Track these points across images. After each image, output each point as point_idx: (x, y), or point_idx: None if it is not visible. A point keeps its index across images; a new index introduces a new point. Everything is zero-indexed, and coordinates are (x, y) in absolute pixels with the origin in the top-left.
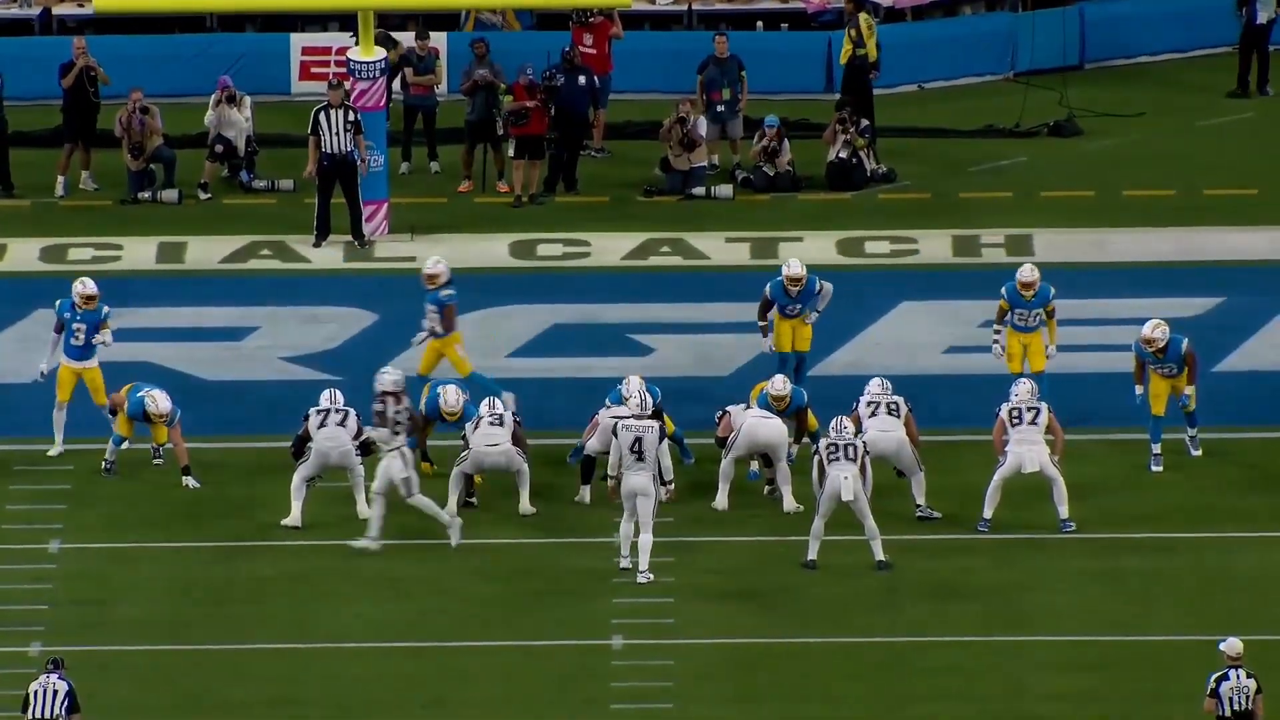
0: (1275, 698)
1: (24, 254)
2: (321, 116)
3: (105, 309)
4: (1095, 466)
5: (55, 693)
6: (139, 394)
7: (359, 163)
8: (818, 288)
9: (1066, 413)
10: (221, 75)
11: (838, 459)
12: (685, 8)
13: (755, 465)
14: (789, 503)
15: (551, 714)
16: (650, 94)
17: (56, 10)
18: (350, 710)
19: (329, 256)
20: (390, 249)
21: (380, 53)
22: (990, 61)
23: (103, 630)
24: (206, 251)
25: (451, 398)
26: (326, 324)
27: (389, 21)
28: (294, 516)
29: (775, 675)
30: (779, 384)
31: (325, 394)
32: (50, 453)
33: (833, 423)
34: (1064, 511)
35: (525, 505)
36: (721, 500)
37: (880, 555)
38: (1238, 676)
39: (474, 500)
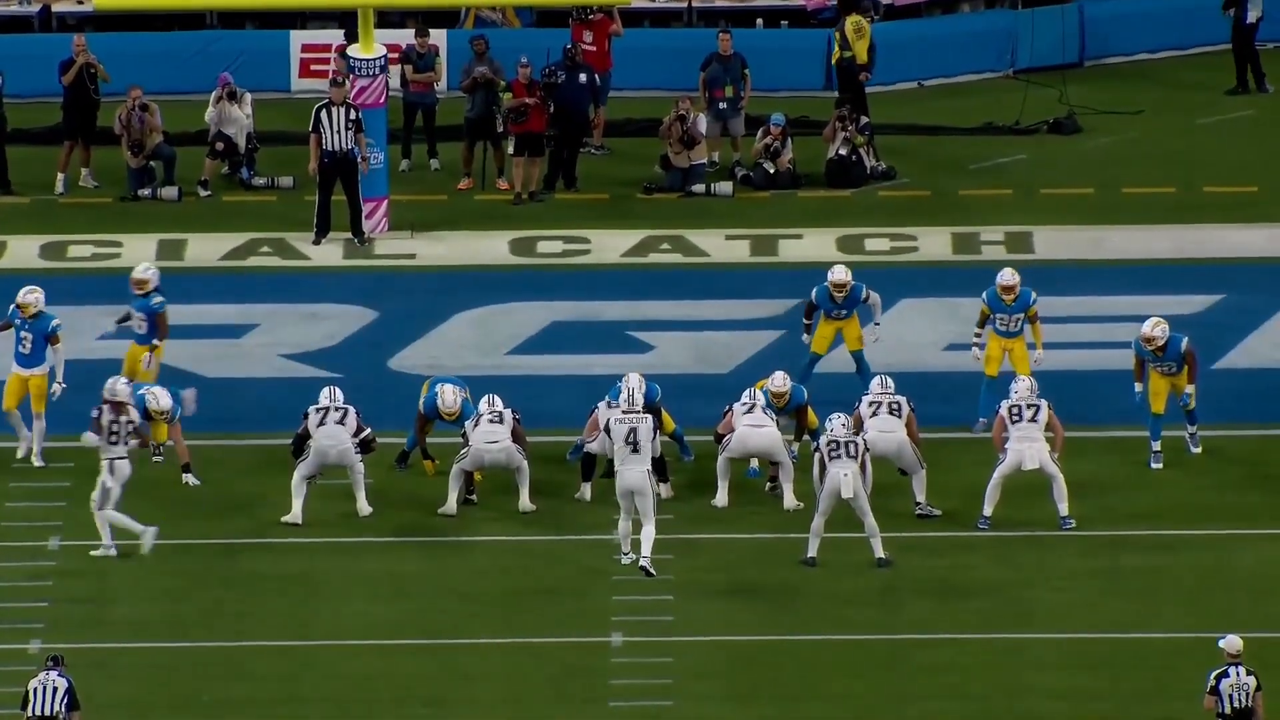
0: (1275, 695)
1: (24, 251)
2: (323, 114)
3: (55, 321)
4: (1094, 464)
5: (55, 690)
6: (140, 391)
7: (359, 160)
8: (864, 295)
9: (1065, 410)
10: (222, 72)
11: (839, 456)
12: (685, 5)
13: (755, 463)
14: (789, 500)
15: (551, 711)
16: (650, 91)
17: (56, 8)
18: (350, 708)
19: (329, 254)
20: (390, 246)
21: (380, 49)
22: (990, 59)
23: (102, 628)
24: (206, 249)
25: (449, 397)
26: (326, 321)
27: (389, 19)
28: (294, 514)
29: (774, 673)
30: (778, 380)
31: (325, 391)
32: (19, 454)
33: (829, 420)
34: (1064, 509)
35: (525, 502)
36: (721, 497)
37: (880, 553)
38: (1238, 673)
39: (474, 498)
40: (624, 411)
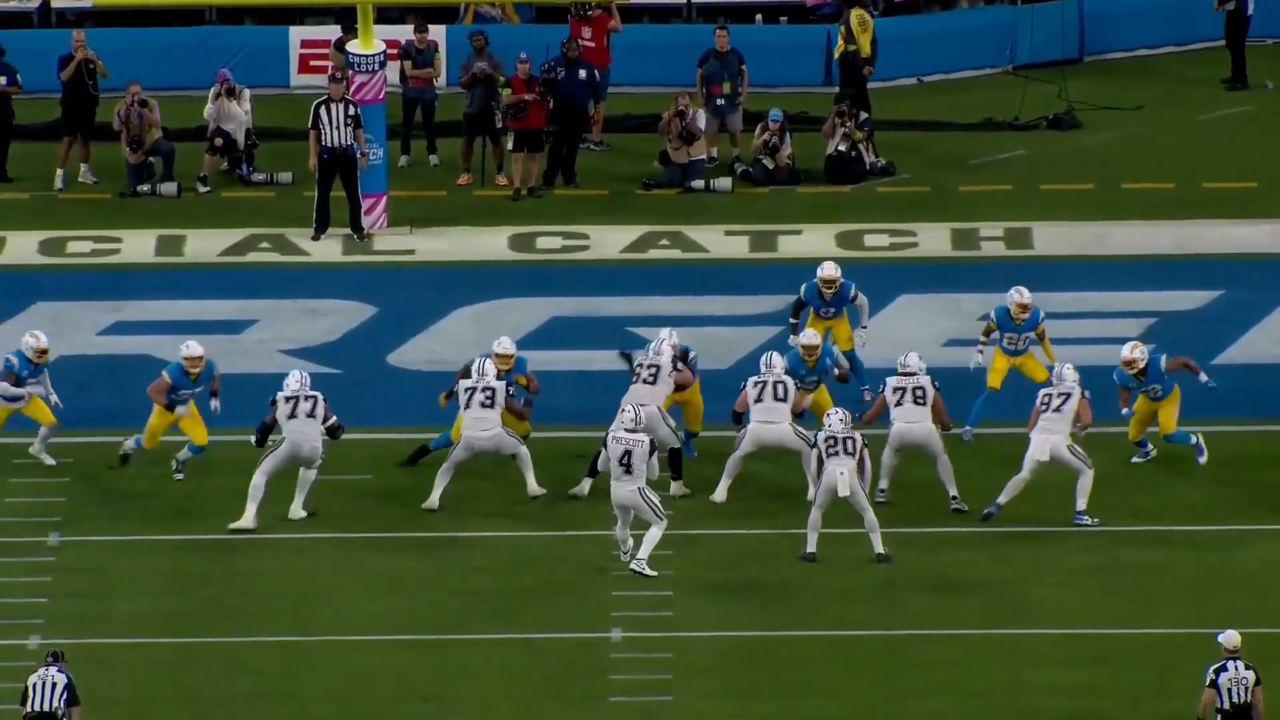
0: (1274, 689)
1: (23, 247)
2: (322, 110)
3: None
4: (1094, 460)
5: (54, 685)
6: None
7: (359, 156)
8: (852, 294)
9: None
10: (221, 69)
11: (836, 453)
12: (684, 1)
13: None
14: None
15: (550, 706)
16: (649, 87)
17: (55, 3)
18: (349, 704)
19: (328, 249)
20: (389, 242)
21: (379, 45)
22: (989, 55)
23: (102, 623)
24: (206, 244)
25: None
26: (325, 317)
27: (388, 15)
28: (248, 518)
29: (773, 669)
30: (810, 335)
31: (292, 376)
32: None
33: (828, 416)
34: (1081, 504)
35: (533, 486)
36: (720, 493)
37: (880, 548)
38: (1236, 668)
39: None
40: (626, 430)
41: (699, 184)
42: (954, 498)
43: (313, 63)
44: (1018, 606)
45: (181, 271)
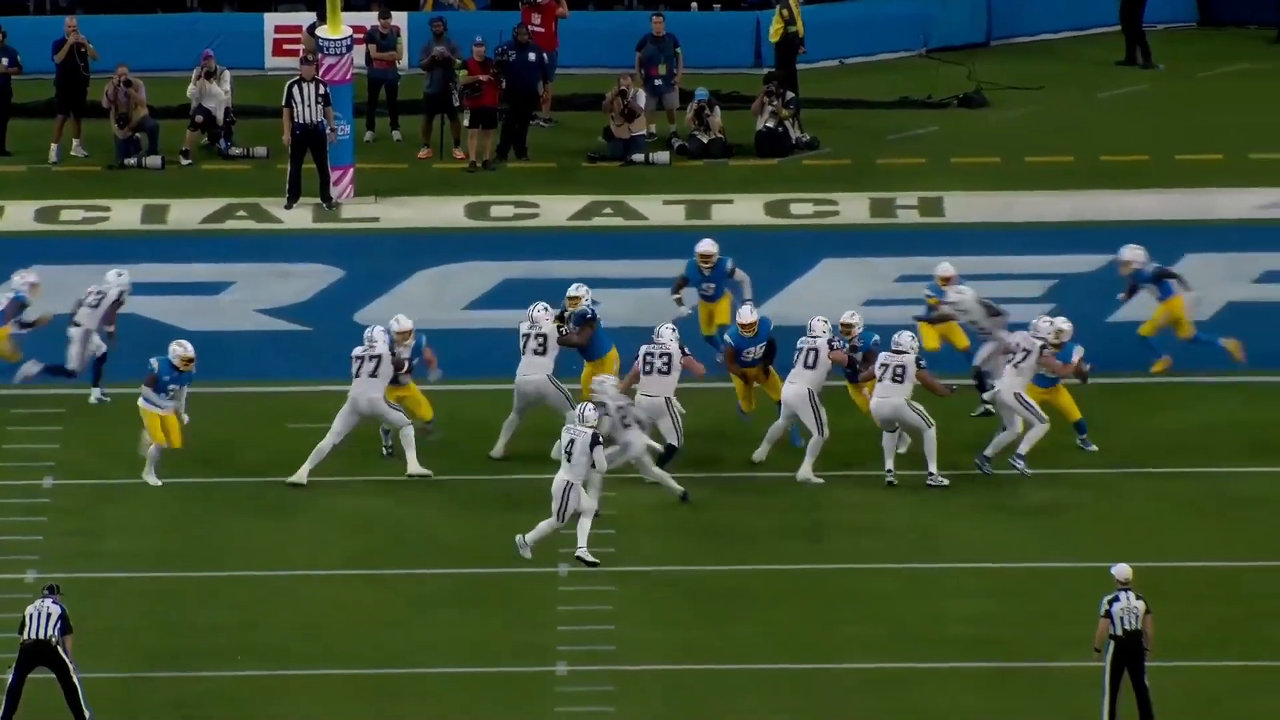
0: (1161, 619)
1: (20, 215)
2: (294, 89)
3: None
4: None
5: (49, 615)
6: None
7: (328, 132)
8: (730, 268)
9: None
10: (205, 49)
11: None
12: None
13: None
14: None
15: (502, 631)
16: (594, 69)
17: None
18: (316, 630)
19: (299, 217)
20: (356, 210)
21: (346, 30)
22: (905, 39)
23: (92, 559)
24: (187, 213)
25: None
26: (297, 279)
27: (355, 2)
28: (301, 474)
29: (707, 601)
30: (746, 313)
31: (366, 335)
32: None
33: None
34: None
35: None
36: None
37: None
38: (1128, 598)
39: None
40: (577, 424)
41: (639, 157)
42: (930, 474)
43: (286, 46)
44: (934, 544)
45: (165, 238)
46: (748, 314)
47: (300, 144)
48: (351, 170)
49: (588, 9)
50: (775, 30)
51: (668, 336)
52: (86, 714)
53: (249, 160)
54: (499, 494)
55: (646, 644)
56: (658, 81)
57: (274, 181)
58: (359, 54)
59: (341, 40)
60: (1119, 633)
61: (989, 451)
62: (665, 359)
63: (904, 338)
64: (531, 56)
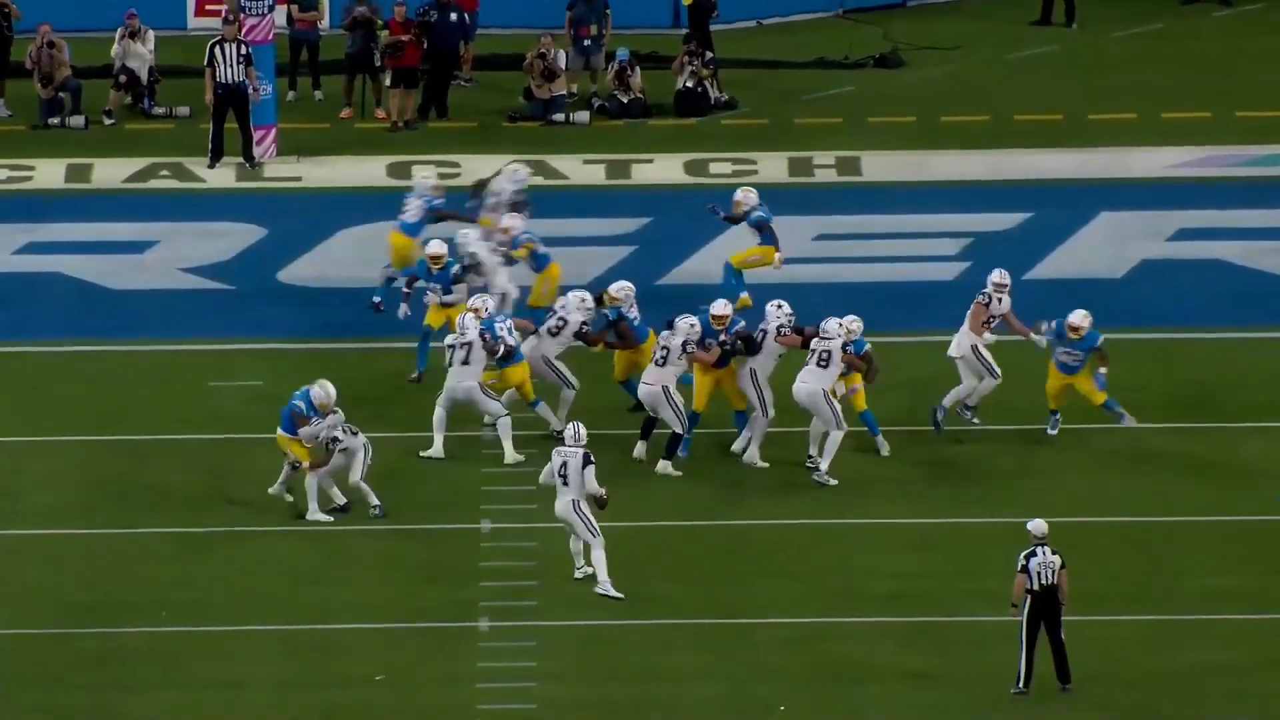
0: (1075, 573)
1: None
2: (217, 50)
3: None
4: (917, 368)
5: None
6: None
7: (250, 91)
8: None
9: (889, 320)
10: (127, 9)
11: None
12: None
13: None
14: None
15: (426, 585)
16: (514, 29)
17: None
18: (241, 585)
19: (222, 176)
20: (278, 170)
21: None
22: (822, 0)
23: (16, 517)
24: (111, 172)
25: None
26: (221, 238)
27: None
28: (436, 448)
29: (627, 558)
30: (720, 305)
31: (458, 322)
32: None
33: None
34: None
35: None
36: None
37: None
38: (1044, 553)
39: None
40: (567, 445)
41: (560, 117)
42: (810, 456)
43: (208, 6)
44: (849, 500)
45: (89, 197)
46: (721, 307)
47: (223, 103)
48: (274, 130)
49: None
50: None
51: (683, 330)
52: None
53: (172, 120)
54: (415, 449)
55: (568, 601)
56: (587, 42)
57: (197, 141)
58: (280, 14)
59: (263, 0)
60: (1035, 587)
61: (947, 401)
62: (663, 352)
63: (830, 324)
64: (453, 16)
